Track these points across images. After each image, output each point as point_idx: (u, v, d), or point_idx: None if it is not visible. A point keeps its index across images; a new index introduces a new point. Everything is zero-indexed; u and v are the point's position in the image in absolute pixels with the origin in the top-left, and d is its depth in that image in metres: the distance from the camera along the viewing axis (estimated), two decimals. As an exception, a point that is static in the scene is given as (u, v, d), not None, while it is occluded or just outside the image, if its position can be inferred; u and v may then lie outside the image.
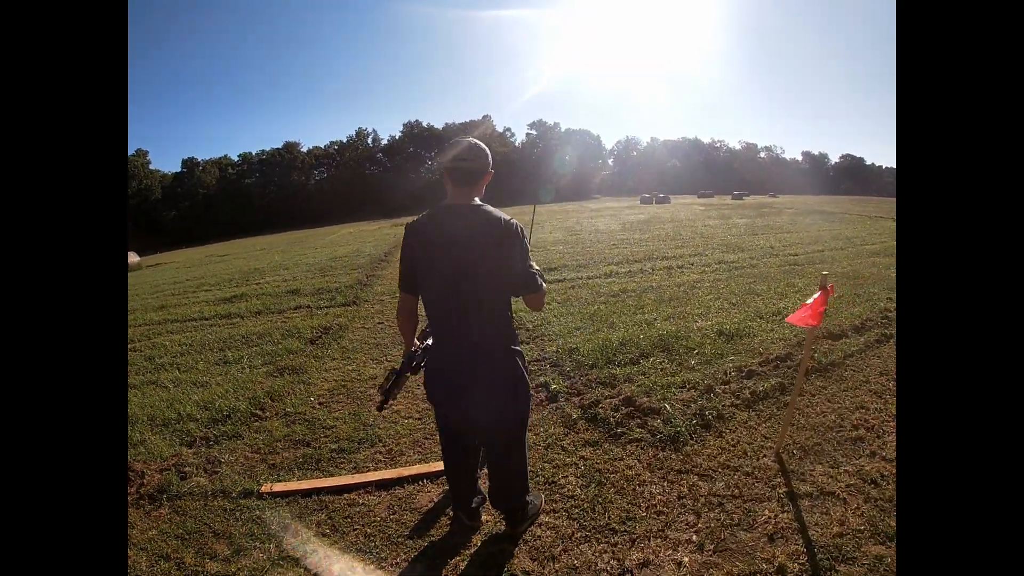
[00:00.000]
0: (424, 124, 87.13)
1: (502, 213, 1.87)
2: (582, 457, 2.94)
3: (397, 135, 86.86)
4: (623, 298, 6.72)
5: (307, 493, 2.76)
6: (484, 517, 2.41)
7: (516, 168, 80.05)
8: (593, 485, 2.65)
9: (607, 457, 2.92)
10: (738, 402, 3.47)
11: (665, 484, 2.66)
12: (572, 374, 4.21)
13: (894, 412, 3.15)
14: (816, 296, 2.62)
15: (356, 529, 2.46)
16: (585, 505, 2.50)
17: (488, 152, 1.89)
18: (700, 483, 2.65)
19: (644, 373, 4.06)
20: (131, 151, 68.45)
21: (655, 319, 5.56)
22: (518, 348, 2.01)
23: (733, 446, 2.98)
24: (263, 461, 3.19)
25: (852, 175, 79.76)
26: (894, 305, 5.48)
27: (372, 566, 2.21)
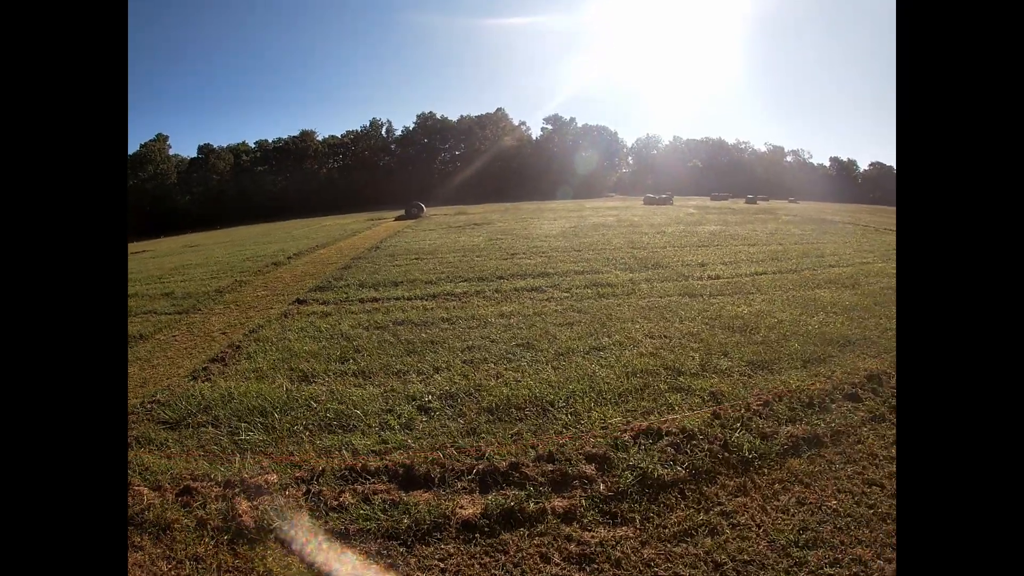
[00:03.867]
0: (438, 116, 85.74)
1: None
2: None
3: (411, 126, 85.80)
4: (368, 336, 5.02)
5: None
6: None
7: (528, 163, 77.95)
8: None
9: None
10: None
11: None
12: None
13: None
14: None
15: None
16: None
17: None
18: None
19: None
20: (151, 136, 69.71)
21: (330, 371, 3.83)
22: None
23: None
24: None
25: (880, 184, 74.52)
26: (716, 409, 3.45)
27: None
